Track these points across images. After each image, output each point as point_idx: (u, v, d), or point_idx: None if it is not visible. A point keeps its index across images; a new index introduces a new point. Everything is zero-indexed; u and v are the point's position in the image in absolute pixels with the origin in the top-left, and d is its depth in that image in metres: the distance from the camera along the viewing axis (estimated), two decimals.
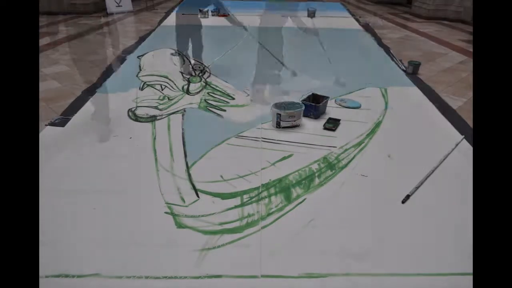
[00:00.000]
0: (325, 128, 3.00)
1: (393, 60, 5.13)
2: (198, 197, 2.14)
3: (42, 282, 1.53)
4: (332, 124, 3.03)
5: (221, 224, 1.93)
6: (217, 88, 3.85)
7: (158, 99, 3.54)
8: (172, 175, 2.33)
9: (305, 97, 3.31)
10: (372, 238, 1.86)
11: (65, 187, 2.19)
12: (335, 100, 3.55)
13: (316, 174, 2.37)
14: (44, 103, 3.40)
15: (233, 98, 3.61)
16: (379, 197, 2.17)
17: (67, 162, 2.46)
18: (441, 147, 2.72)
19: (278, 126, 2.97)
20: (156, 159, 2.50)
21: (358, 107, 3.44)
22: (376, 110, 3.37)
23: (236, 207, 2.06)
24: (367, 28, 7.26)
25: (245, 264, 1.69)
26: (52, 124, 3.00)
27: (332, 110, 3.35)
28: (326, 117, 3.18)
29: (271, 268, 1.67)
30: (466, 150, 2.69)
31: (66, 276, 1.59)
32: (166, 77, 4.09)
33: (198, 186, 2.23)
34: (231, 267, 1.67)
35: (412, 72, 4.46)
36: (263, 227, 1.91)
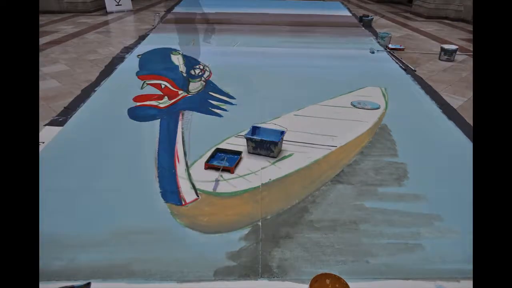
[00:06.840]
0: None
1: (393, 59, 5.12)
2: (198, 196, 2.14)
3: (42, 285, 1.53)
4: None
5: (220, 223, 1.93)
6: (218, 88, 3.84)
7: (158, 98, 3.53)
8: (172, 175, 2.33)
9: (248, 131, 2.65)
10: (371, 238, 1.86)
11: (65, 186, 2.19)
12: (352, 103, 3.50)
13: (317, 174, 2.37)
14: (43, 102, 3.40)
15: (234, 98, 3.60)
16: (377, 196, 2.17)
17: (67, 161, 2.46)
18: (441, 146, 2.73)
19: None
20: (156, 159, 2.50)
21: (377, 108, 3.41)
22: (376, 110, 3.36)
23: (236, 206, 2.06)
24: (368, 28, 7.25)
25: (244, 264, 1.69)
26: (52, 123, 3.00)
27: (347, 111, 3.36)
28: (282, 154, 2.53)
29: (270, 269, 1.67)
30: (466, 148, 2.70)
31: (67, 279, 1.59)
32: (166, 76, 4.09)
33: (197, 186, 2.23)
34: (231, 267, 1.67)
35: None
36: (263, 227, 1.91)
